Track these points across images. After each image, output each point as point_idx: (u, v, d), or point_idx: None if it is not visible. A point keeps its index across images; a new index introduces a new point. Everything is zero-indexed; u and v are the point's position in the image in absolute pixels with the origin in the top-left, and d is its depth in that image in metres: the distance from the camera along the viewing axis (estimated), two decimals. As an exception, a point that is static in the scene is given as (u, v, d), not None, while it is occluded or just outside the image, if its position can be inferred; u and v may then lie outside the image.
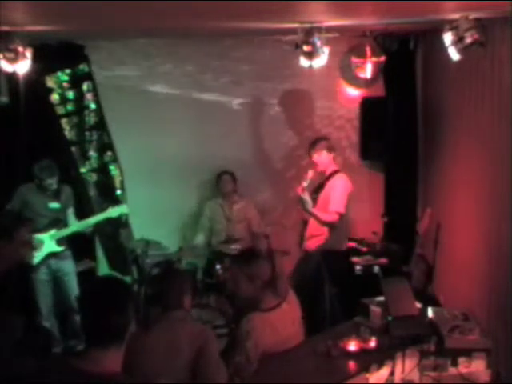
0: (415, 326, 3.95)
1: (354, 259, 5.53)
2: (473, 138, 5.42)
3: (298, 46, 4.78)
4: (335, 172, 5.94)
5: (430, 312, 4.16)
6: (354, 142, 6.96)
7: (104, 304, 2.38)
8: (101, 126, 6.77)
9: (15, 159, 6.24)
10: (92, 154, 6.85)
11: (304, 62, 4.89)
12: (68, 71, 6.66)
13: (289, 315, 3.82)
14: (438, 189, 6.42)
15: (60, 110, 6.70)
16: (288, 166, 7.09)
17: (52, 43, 6.17)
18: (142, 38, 6.59)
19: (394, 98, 6.60)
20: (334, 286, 5.46)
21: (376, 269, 5.31)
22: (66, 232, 5.72)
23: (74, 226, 5.77)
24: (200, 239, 6.70)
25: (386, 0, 3.84)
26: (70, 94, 6.71)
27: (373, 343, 3.78)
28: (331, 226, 5.73)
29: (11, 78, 5.76)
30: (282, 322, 3.73)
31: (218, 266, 6.06)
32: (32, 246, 4.45)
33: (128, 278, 6.16)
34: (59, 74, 6.64)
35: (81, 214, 5.96)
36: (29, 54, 4.92)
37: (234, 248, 6.30)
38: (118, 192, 6.88)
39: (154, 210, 6.79)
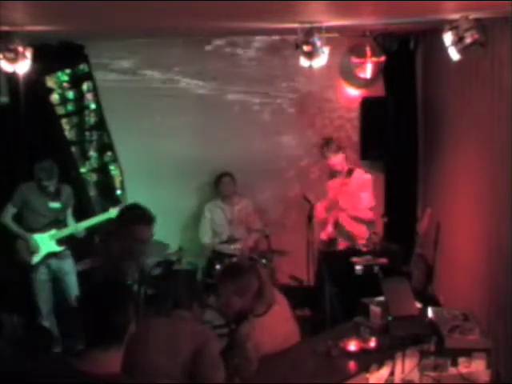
0: (415, 325, 3.95)
1: (354, 259, 5.52)
2: (473, 138, 5.42)
3: (298, 46, 4.78)
4: (352, 169, 6.01)
5: (430, 312, 4.16)
6: (354, 141, 6.96)
7: (104, 304, 2.37)
8: (101, 125, 6.77)
9: (15, 159, 6.24)
10: (92, 153, 6.86)
11: (304, 61, 4.89)
12: (68, 71, 6.67)
13: (281, 315, 3.82)
14: (438, 189, 6.42)
15: (60, 110, 6.70)
16: (288, 166, 7.09)
17: (52, 43, 6.18)
18: (142, 38, 6.59)
19: (394, 98, 6.61)
20: (334, 286, 5.46)
21: (376, 269, 5.31)
22: (65, 232, 5.72)
23: (74, 226, 5.76)
24: (206, 240, 6.71)
25: (385, 0, 3.84)
26: (70, 94, 6.72)
27: (373, 343, 3.78)
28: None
29: (11, 78, 5.76)
30: (276, 324, 3.73)
31: (217, 266, 6.07)
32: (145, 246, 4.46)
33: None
34: (59, 73, 6.64)
35: (81, 214, 5.96)
36: (29, 54, 4.91)
37: (234, 248, 6.32)
38: (118, 192, 6.89)
39: (154, 211, 6.75)
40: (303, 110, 7.03)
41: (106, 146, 6.83)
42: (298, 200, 6.53)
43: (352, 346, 3.74)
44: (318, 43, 4.72)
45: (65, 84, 6.69)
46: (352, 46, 6.60)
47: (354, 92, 6.92)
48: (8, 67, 4.91)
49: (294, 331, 3.91)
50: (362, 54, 6.52)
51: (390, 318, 3.97)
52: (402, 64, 6.64)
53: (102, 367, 2.32)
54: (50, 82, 6.61)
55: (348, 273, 5.44)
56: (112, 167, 6.89)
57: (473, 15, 4.37)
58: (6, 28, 4.59)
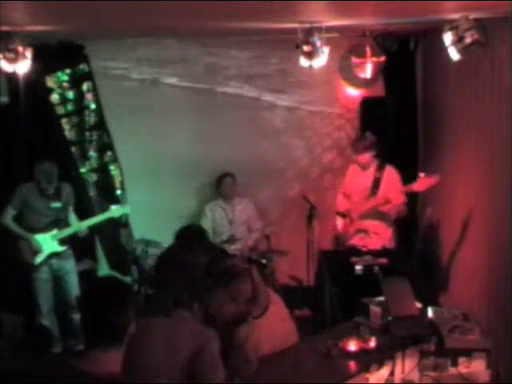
0: (415, 325, 3.95)
1: (354, 259, 5.52)
2: (473, 138, 5.42)
3: (298, 46, 4.78)
4: (384, 165, 5.99)
5: (430, 312, 4.16)
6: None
7: (104, 304, 2.37)
8: (101, 125, 6.77)
9: (15, 159, 6.25)
10: (92, 153, 6.86)
11: (304, 62, 4.89)
12: (68, 71, 6.67)
13: (277, 316, 3.82)
14: (438, 189, 6.41)
15: (60, 110, 6.70)
16: (288, 166, 7.10)
17: (52, 43, 6.17)
18: (142, 38, 6.59)
19: (394, 98, 6.61)
20: (334, 286, 5.46)
21: (376, 269, 5.31)
22: (67, 232, 5.72)
23: (76, 225, 5.77)
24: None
25: (385, 0, 3.84)
26: (70, 94, 6.71)
27: (373, 343, 3.78)
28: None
29: (11, 78, 5.76)
30: (273, 325, 3.73)
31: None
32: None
33: (128, 278, 6.16)
34: (59, 73, 6.64)
35: (81, 214, 5.96)
36: (29, 54, 4.91)
37: (235, 248, 6.31)
38: (118, 192, 6.88)
39: (154, 210, 6.80)
40: (303, 110, 7.03)
41: (106, 146, 6.83)
42: (298, 200, 6.53)
43: (352, 345, 3.74)
44: (318, 43, 4.72)
45: (65, 84, 6.69)
46: (352, 46, 6.60)
47: (353, 92, 6.92)
48: (8, 67, 4.91)
49: (291, 331, 3.90)
50: (361, 54, 6.51)
51: (389, 318, 3.97)
52: (402, 64, 6.64)
53: (102, 367, 2.32)
54: (50, 82, 6.61)
55: (348, 273, 5.44)
56: (112, 167, 6.89)
57: (473, 15, 4.37)
58: (5, 28, 4.59)
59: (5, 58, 4.83)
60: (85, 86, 6.71)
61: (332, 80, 6.80)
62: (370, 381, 3.65)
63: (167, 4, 3.59)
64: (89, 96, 6.74)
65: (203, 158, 6.87)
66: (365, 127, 6.82)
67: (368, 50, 6.47)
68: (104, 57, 6.72)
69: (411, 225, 6.49)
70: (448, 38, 4.58)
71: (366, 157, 5.98)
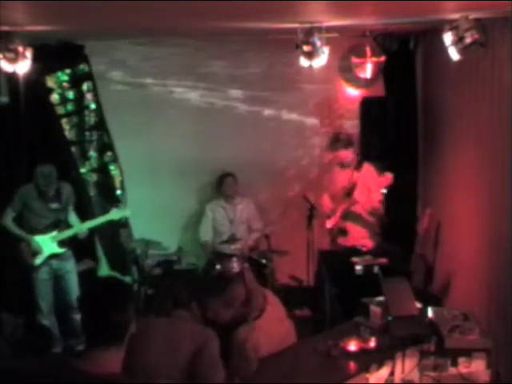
0: (415, 325, 3.95)
1: (354, 259, 5.53)
2: (473, 138, 5.42)
3: (298, 46, 4.78)
4: (361, 163, 6.05)
5: (430, 312, 4.16)
6: (354, 142, 6.95)
7: (105, 304, 2.37)
8: (101, 126, 6.77)
9: (15, 159, 6.24)
10: (92, 153, 6.86)
11: (304, 62, 4.89)
12: (68, 71, 6.66)
13: (274, 316, 3.82)
14: (438, 189, 6.41)
15: (60, 110, 6.70)
16: (288, 166, 7.09)
17: (52, 43, 6.17)
18: (143, 38, 6.59)
19: (394, 98, 6.61)
20: (334, 286, 5.46)
21: (376, 269, 5.31)
22: (67, 234, 5.71)
23: (76, 227, 5.76)
24: (206, 238, 6.71)
25: (385, 0, 3.84)
26: (70, 94, 6.71)
27: (373, 343, 3.78)
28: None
29: (11, 78, 5.76)
30: (270, 325, 3.73)
31: (218, 266, 6.06)
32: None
33: (128, 278, 6.16)
34: (59, 74, 6.64)
35: (81, 215, 5.96)
36: (29, 54, 4.91)
37: (235, 248, 6.32)
38: (118, 192, 6.89)
39: (154, 210, 6.80)
40: (303, 110, 7.03)
41: (106, 146, 6.82)
42: (298, 200, 6.53)
43: (352, 345, 3.74)
44: (318, 43, 4.72)
45: (65, 84, 6.68)
46: (352, 46, 6.60)
47: (353, 92, 6.92)
48: (8, 67, 4.91)
49: (289, 331, 3.90)
50: (361, 54, 6.51)
51: (389, 318, 3.97)
52: (402, 64, 6.64)
53: (103, 367, 2.32)
54: (50, 82, 6.61)
55: (348, 273, 5.45)
56: (112, 167, 6.89)
57: (473, 15, 4.37)
58: (5, 28, 4.59)
59: (5, 57, 4.82)
60: (85, 86, 6.71)
61: (332, 80, 6.80)
62: (370, 381, 3.65)
63: (167, 4, 3.59)
64: (89, 96, 6.74)
65: (203, 158, 6.87)
66: (365, 127, 6.83)
67: (368, 49, 6.47)
68: (105, 57, 6.71)
69: (411, 225, 6.49)
70: (448, 38, 4.58)
71: (347, 153, 6.01)
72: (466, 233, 5.55)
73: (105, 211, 5.98)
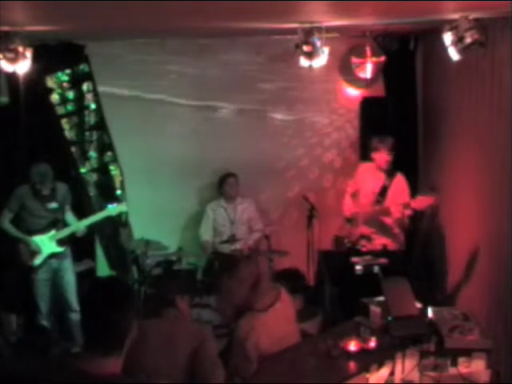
0: (415, 325, 3.95)
1: (354, 259, 5.52)
2: (473, 138, 5.42)
3: (298, 46, 4.78)
4: (395, 172, 5.92)
5: (430, 312, 4.16)
6: (354, 142, 6.96)
7: (106, 310, 2.36)
8: (101, 126, 6.77)
9: (15, 159, 6.24)
10: (92, 154, 6.86)
11: (304, 62, 4.89)
12: (68, 71, 6.67)
13: (282, 314, 3.82)
14: (438, 188, 6.41)
15: (60, 110, 6.70)
16: (288, 166, 7.10)
17: (52, 43, 6.17)
18: (143, 38, 6.59)
19: (394, 98, 6.61)
20: (334, 286, 5.46)
21: (376, 269, 5.31)
22: (65, 232, 5.72)
23: (74, 225, 5.77)
24: (206, 238, 6.71)
25: (386, 0, 3.84)
26: (70, 94, 6.72)
27: (373, 343, 3.78)
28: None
29: (11, 78, 5.76)
30: (276, 322, 3.74)
31: (218, 266, 6.07)
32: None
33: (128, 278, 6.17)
34: (59, 74, 6.64)
35: (81, 215, 5.96)
36: (29, 54, 4.91)
37: (235, 248, 6.32)
38: (118, 192, 6.89)
39: (154, 210, 6.80)
40: (303, 110, 7.03)
41: (105, 146, 6.83)
42: (298, 200, 6.53)
43: (352, 345, 3.74)
44: (318, 43, 4.72)
45: (65, 84, 6.69)
46: (352, 46, 6.60)
47: (353, 92, 6.92)
48: (8, 67, 4.91)
49: (294, 333, 3.90)
50: (361, 54, 6.51)
51: (389, 318, 3.97)
52: (402, 64, 6.64)
53: (103, 367, 2.31)
54: (50, 82, 6.61)
55: (348, 273, 5.45)
56: (112, 167, 6.89)
57: (473, 15, 4.37)
58: (5, 28, 4.59)
59: (5, 57, 4.83)
60: (85, 86, 6.72)
61: (332, 80, 6.80)
62: (370, 381, 3.65)
63: (167, 4, 3.59)
64: (89, 96, 6.74)
65: (203, 159, 6.87)
66: (365, 127, 6.83)
67: (368, 49, 6.47)
68: (105, 57, 6.70)
69: (411, 226, 6.48)
70: (448, 38, 4.58)
71: (387, 157, 5.87)
72: (466, 233, 5.55)
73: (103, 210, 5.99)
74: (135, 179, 6.83)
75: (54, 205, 5.68)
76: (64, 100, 6.71)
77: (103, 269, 6.86)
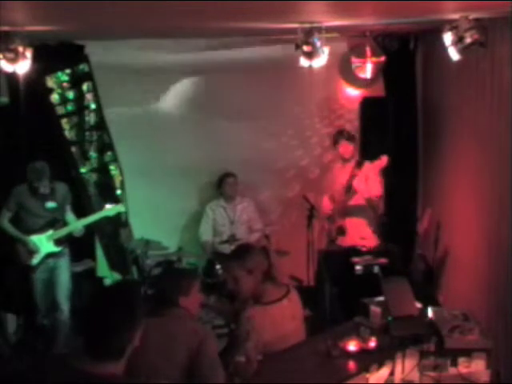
0: (415, 325, 3.95)
1: (354, 259, 5.53)
2: (472, 138, 5.42)
3: (297, 46, 4.78)
4: (362, 162, 6.03)
5: (430, 312, 4.16)
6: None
7: (111, 322, 2.34)
8: (101, 126, 6.77)
9: (15, 159, 6.24)
10: (92, 154, 6.86)
11: (304, 62, 4.89)
12: (68, 71, 6.66)
13: (289, 311, 3.84)
14: (438, 189, 6.42)
15: (60, 110, 6.70)
16: (288, 166, 7.09)
17: (52, 43, 6.17)
18: (142, 38, 6.58)
19: (394, 98, 6.60)
20: (334, 286, 5.47)
21: (376, 269, 5.31)
22: (62, 232, 5.71)
23: (72, 225, 5.76)
24: (206, 237, 6.71)
25: (386, 0, 3.84)
26: (70, 94, 6.72)
27: (373, 343, 3.78)
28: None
29: (11, 78, 5.76)
30: (281, 317, 3.75)
31: (217, 266, 6.07)
32: None
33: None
34: (59, 74, 6.64)
35: (81, 215, 5.96)
36: (29, 54, 4.90)
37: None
38: (118, 192, 6.89)
39: (154, 210, 6.79)
40: (303, 110, 7.03)
41: (105, 146, 6.82)
42: (298, 200, 6.53)
43: (352, 346, 3.74)
44: (318, 43, 4.72)
45: (65, 84, 6.68)
46: (352, 46, 6.60)
47: (353, 92, 6.92)
48: (8, 67, 4.90)
49: (298, 332, 3.91)
50: (361, 54, 6.51)
51: (389, 318, 3.97)
52: (402, 64, 6.64)
53: (103, 367, 2.31)
54: (50, 82, 6.61)
55: (348, 273, 5.45)
56: (112, 167, 6.89)
57: (473, 15, 4.37)
58: (5, 28, 4.59)
59: (5, 57, 4.82)
60: (85, 86, 6.71)
61: (332, 80, 6.80)
62: (370, 381, 3.65)
63: (168, 4, 3.59)
64: (89, 96, 6.73)
65: (203, 159, 6.86)
66: (365, 127, 6.82)
67: (368, 49, 6.46)
68: (105, 57, 6.69)
69: (411, 225, 6.49)
70: (448, 38, 4.58)
71: (348, 147, 6.05)
72: (466, 233, 5.56)
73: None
74: (135, 179, 6.82)
75: (52, 204, 5.67)
76: (64, 100, 6.70)
77: (103, 269, 6.85)
